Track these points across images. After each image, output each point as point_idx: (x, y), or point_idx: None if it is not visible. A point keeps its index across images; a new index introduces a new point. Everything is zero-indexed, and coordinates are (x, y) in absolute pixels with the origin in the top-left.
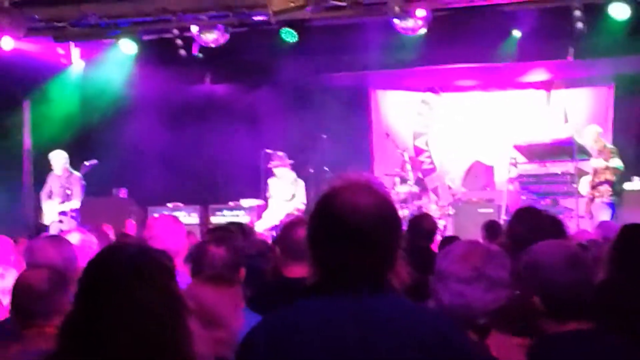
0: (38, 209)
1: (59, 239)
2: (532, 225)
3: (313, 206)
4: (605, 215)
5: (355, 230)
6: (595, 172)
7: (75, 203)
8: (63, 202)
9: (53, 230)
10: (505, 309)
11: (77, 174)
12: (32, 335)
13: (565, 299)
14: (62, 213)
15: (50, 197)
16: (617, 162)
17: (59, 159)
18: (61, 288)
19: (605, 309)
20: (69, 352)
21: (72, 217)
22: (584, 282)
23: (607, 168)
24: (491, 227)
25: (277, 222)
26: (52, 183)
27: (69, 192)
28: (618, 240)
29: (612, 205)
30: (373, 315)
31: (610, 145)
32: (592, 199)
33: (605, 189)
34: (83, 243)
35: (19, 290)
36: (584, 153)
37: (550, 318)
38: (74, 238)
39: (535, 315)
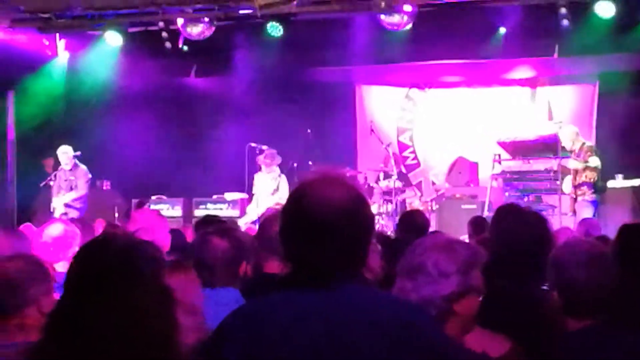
0: (25, 199)
1: (14, 232)
2: (514, 222)
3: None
4: (587, 212)
5: (325, 224)
6: (576, 172)
7: (74, 194)
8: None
9: None
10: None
11: (83, 166)
12: (10, 328)
13: (582, 295)
14: (67, 205)
15: (58, 191)
16: (595, 162)
17: (62, 153)
18: (37, 278)
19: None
20: (56, 344)
21: (76, 208)
22: (601, 280)
23: (586, 168)
24: (477, 223)
25: (258, 217)
26: (59, 178)
27: (73, 184)
28: (619, 239)
29: (594, 203)
30: (340, 308)
31: (589, 143)
32: (574, 198)
33: (586, 189)
34: (66, 233)
35: None
36: (567, 151)
37: (568, 314)
38: (57, 228)
39: (553, 311)
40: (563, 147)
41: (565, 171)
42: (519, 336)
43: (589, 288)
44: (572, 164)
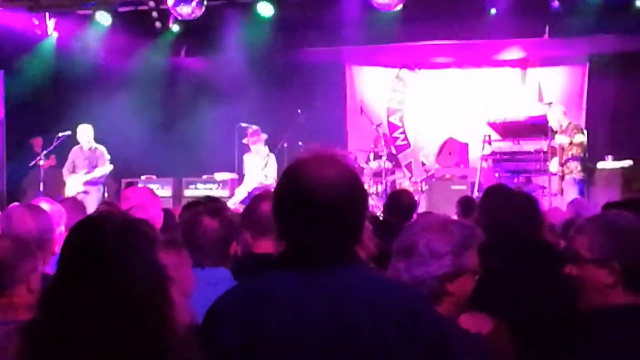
0: (14, 180)
1: (36, 208)
2: (503, 202)
3: (278, 180)
4: (573, 192)
5: (320, 202)
6: (562, 149)
7: (100, 171)
8: (88, 173)
9: None
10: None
11: (101, 147)
12: (1, 306)
13: None
14: (88, 183)
15: (73, 171)
16: (581, 137)
17: (85, 132)
18: (25, 257)
19: None
20: (50, 322)
21: (96, 185)
22: None
23: (571, 143)
24: (466, 203)
25: (246, 195)
26: (76, 157)
27: (93, 163)
28: None
29: (581, 183)
30: (342, 289)
31: (575, 123)
32: (562, 177)
33: (574, 165)
34: (51, 212)
35: None
36: (554, 131)
37: (622, 287)
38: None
39: (604, 285)
40: (550, 128)
41: (554, 151)
42: (513, 315)
43: None
44: (559, 139)
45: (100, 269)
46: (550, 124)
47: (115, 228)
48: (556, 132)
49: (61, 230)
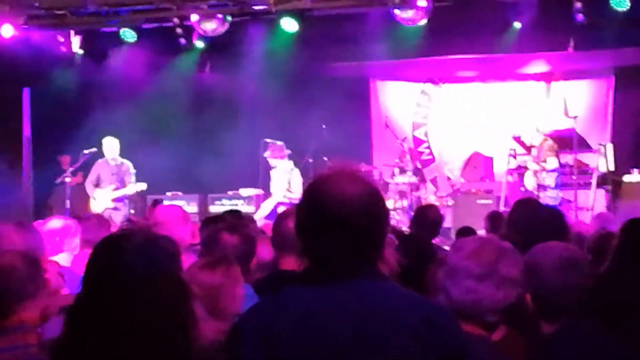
0: (41, 196)
1: (25, 226)
2: (532, 216)
3: (301, 196)
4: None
5: (342, 218)
6: (535, 172)
7: (133, 188)
8: (117, 189)
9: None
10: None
11: (127, 162)
12: (12, 327)
13: (553, 299)
14: (118, 200)
15: (97, 185)
16: (554, 163)
17: (111, 145)
18: (35, 274)
19: (604, 304)
20: (76, 339)
21: (124, 203)
22: (574, 284)
23: (543, 170)
24: (494, 218)
25: (270, 211)
26: (101, 171)
27: (120, 178)
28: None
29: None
30: (364, 303)
31: (550, 142)
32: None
33: (547, 193)
34: (64, 227)
35: None
36: (584, 145)
37: (541, 317)
38: (56, 222)
39: (531, 315)
40: (584, 140)
41: (581, 165)
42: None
43: (561, 293)
44: (531, 165)
45: (123, 286)
46: (522, 139)
47: (137, 245)
48: (529, 146)
49: (76, 244)
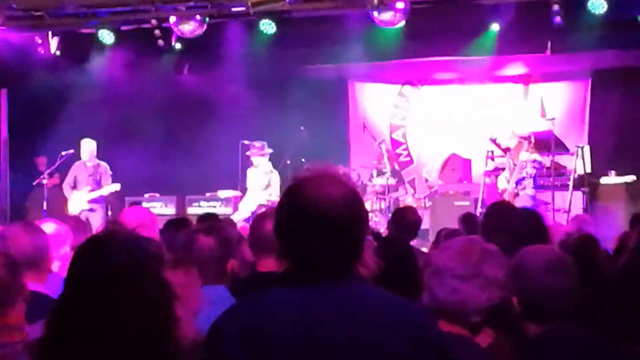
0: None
1: (32, 227)
2: (506, 218)
3: (280, 198)
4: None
5: (323, 219)
6: (514, 167)
7: (107, 189)
8: (93, 190)
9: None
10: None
11: (104, 164)
12: None
13: (541, 302)
14: (93, 201)
15: (74, 187)
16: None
17: (89, 147)
18: (17, 275)
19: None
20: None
21: (101, 204)
22: (562, 287)
23: (527, 161)
24: (468, 220)
25: (250, 213)
26: (78, 172)
27: (96, 179)
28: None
29: (534, 198)
30: (348, 303)
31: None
32: (516, 194)
33: (528, 182)
34: (58, 232)
35: None
36: (561, 147)
37: (528, 320)
38: (49, 227)
39: (516, 317)
40: (561, 142)
41: (558, 166)
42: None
43: (548, 295)
44: (524, 155)
45: (107, 286)
46: (498, 141)
47: (121, 245)
48: (503, 149)
49: (66, 251)
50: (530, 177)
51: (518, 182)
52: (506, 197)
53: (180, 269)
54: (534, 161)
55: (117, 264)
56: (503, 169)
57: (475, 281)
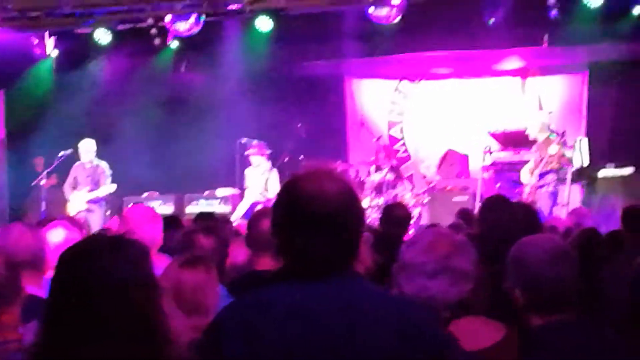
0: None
1: (31, 228)
2: (502, 213)
3: (277, 194)
4: (547, 204)
5: (320, 215)
6: (540, 160)
7: (104, 190)
8: (92, 191)
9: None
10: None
11: (103, 164)
12: None
13: (546, 293)
14: (91, 201)
15: (75, 187)
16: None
17: (88, 148)
18: (16, 275)
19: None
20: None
21: (99, 205)
22: (566, 277)
23: (555, 155)
24: (465, 215)
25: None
26: (78, 173)
27: (95, 179)
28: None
29: (555, 194)
30: (345, 299)
31: (554, 136)
32: (539, 187)
33: (551, 177)
34: (66, 240)
35: None
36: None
37: (532, 311)
38: (59, 235)
39: (518, 308)
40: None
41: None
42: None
43: (553, 285)
44: (554, 149)
45: (92, 291)
46: (528, 132)
47: (104, 249)
48: (532, 141)
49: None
50: (555, 173)
51: (541, 176)
52: (526, 191)
53: (200, 267)
54: (563, 156)
55: (99, 269)
56: (502, 164)
57: (444, 276)
